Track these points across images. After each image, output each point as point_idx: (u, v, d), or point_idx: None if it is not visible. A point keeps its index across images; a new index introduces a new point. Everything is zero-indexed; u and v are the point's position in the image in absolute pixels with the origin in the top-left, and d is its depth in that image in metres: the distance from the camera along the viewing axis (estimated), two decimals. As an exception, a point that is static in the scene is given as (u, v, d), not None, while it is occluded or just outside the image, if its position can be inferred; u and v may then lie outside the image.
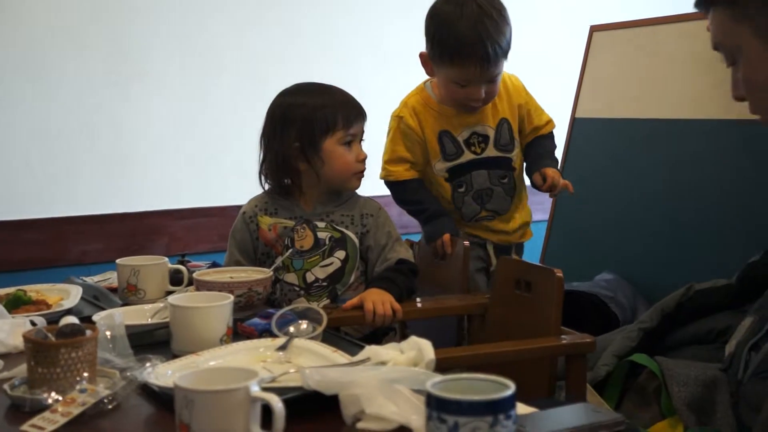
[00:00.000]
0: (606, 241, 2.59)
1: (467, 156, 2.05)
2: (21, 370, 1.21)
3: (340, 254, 1.81)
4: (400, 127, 2.06)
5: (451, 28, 1.90)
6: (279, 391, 1.04)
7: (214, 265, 1.98)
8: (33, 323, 1.41)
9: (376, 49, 3.29)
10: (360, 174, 1.82)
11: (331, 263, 1.81)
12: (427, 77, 2.07)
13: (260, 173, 1.87)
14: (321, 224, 1.82)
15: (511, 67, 2.04)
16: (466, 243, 1.97)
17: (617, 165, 2.62)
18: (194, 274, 1.63)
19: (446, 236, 2.00)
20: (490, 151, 2.05)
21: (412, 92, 2.10)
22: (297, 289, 1.82)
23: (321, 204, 1.84)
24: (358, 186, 1.85)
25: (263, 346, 1.33)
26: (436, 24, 1.94)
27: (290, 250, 1.79)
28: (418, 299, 1.84)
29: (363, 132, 1.84)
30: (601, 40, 2.80)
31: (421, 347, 1.20)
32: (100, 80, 2.87)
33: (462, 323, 1.97)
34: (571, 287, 2.30)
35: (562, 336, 1.63)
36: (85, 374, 1.15)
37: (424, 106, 2.05)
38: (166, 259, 1.75)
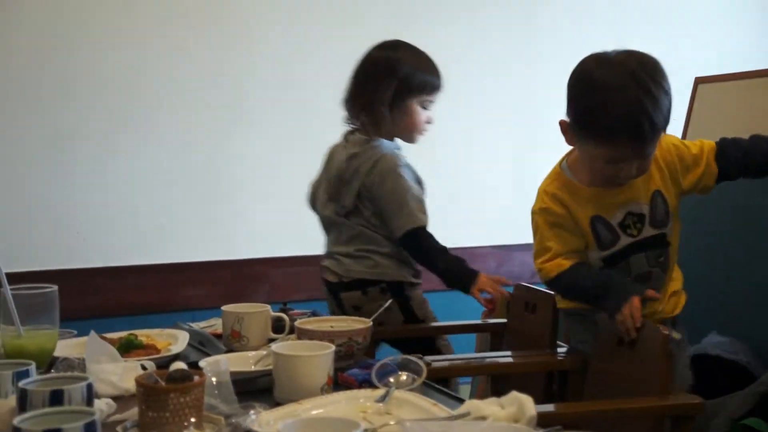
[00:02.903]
0: (711, 301, 2.49)
1: (624, 241, 1.80)
2: (132, 413, 1.26)
3: None
4: (548, 222, 1.81)
5: (602, 100, 1.65)
6: (380, 443, 1.04)
7: (315, 313, 2.01)
8: (144, 367, 1.46)
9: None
10: (422, 134, 2.18)
11: None
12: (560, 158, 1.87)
13: (345, 107, 2.20)
14: None
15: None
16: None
17: (724, 220, 2.53)
18: (296, 323, 1.65)
19: (636, 301, 1.69)
20: (647, 231, 1.80)
21: (548, 179, 1.85)
22: None
23: None
24: (416, 142, 2.20)
25: (363, 396, 1.33)
26: (583, 92, 1.70)
27: None
28: (509, 353, 1.86)
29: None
30: (706, 92, 2.74)
31: (521, 402, 1.18)
32: (203, 128, 2.99)
33: (552, 379, 1.92)
34: (704, 351, 2.21)
35: (669, 395, 1.57)
36: (193, 419, 1.18)
37: (567, 192, 1.80)
38: (269, 306, 1.78)
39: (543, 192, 1.83)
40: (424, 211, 2.13)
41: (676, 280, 1.88)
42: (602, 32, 3.46)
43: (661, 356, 1.59)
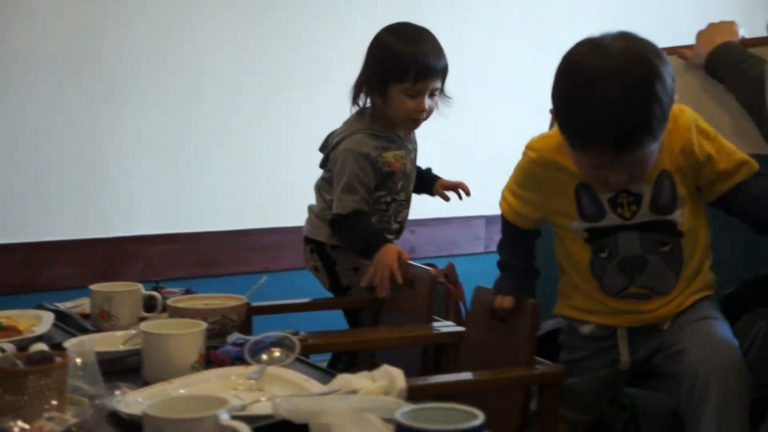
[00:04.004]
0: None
1: (612, 220, 1.57)
2: (-11, 397, 1.20)
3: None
4: (523, 166, 1.67)
5: (576, 100, 1.45)
6: (249, 419, 1.04)
7: (189, 291, 1.97)
8: (2, 350, 1.39)
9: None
10: (415, 122, 2.12)
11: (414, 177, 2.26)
12: None
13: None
14: (411, 147, 2.22)
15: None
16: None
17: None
18: (168, 301, 1.63)
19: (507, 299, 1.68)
20: (643, 215, 1.56)
21: (551, 132, 1.65)
22: (404, 203, 2.22)
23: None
24: (411, 129, 2.19)
25: (235, 373, 1.32)
26: (563, 85, 1.48)
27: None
28: (387, 328, 1.85)
29: (435, 88, 2.08)
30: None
31: (392, 376, 1.21)
32: (72, 102, 2.86)
33: (427, 352, 1.97)
34: None
35: (536, 366, 1.64)
36: (54, 402, 1.14)
37: (559, 152, 1.57)
38: (140, 285, 1.74)
39: (539, 139, 1.65)
40: (349, 200, 2.10)
41: (700, 288, 1.62)
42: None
43: (528, 328, 1.64)
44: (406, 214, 2.26)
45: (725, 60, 1.92)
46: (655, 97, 1.41)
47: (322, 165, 2.27)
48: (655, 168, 1.53)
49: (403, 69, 2.05)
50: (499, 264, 1.78)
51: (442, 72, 2.11)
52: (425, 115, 2.13)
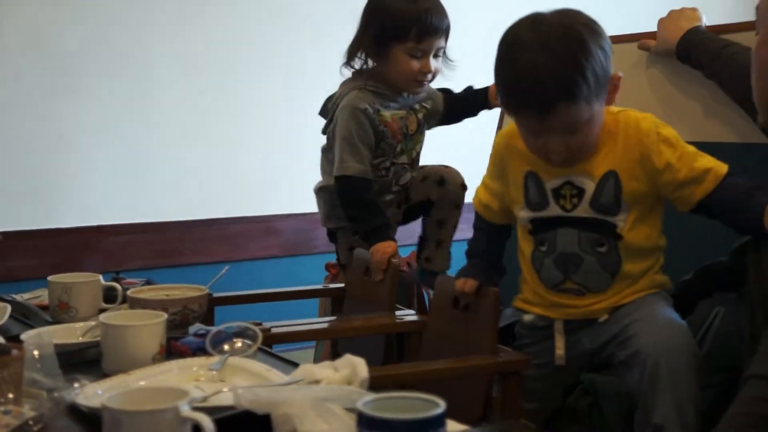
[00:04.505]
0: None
1: (553, 210, 1.60)
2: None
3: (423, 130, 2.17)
4: (492, 154, 1.72)
5: (504, 68, 1.52)
6: (211, 410, 1.03)
7: (149, 282, 1.95)
8: (-43, 342, 1.37)
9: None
10: (420, 83, 2.04)
11: (422, 139, 2.18)
12: None
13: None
14: (417, 107, 2.14)
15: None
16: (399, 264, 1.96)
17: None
18: (128, 292, 1.61)
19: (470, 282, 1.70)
20: (582, 210, 1.57)
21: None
22: (406, 167, 2.14)
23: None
24: (416, 91, 2.09)
25: (196, 364, 1.31)
26: (496, 58, 1.54)
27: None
28: (349, 317, 1.86)
29: (440, 47, 2.02)
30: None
31: (354, 365, 1.20)
32: (29, 92, 2.81)
33: (390, 341, 1.97)
34: None
35: (499, 354, 1.65)
36: (10, 395, 1.12)
37: (518, 136, 1.60)
38: (100, 276, 1.72)
39: (498, 135, 1.73)
40: (352, 160, 2.02)
41: (643, 286, 1.62)
42: None
43: (490, 315, 1.65)
44: (410, 177, 2.17)
45: (704, 46, 1.89)
46: (576, 62, 1.44)
47: (324, 131, 2.17)
48: (603, 166, 1.56)
49: (405, 28, 2.00)
50: (467, 253, 1.81)
51: (446, 31, 2.05)
52: (431, 76, 2.07)
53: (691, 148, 1.56)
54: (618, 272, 1.60)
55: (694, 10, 1.99)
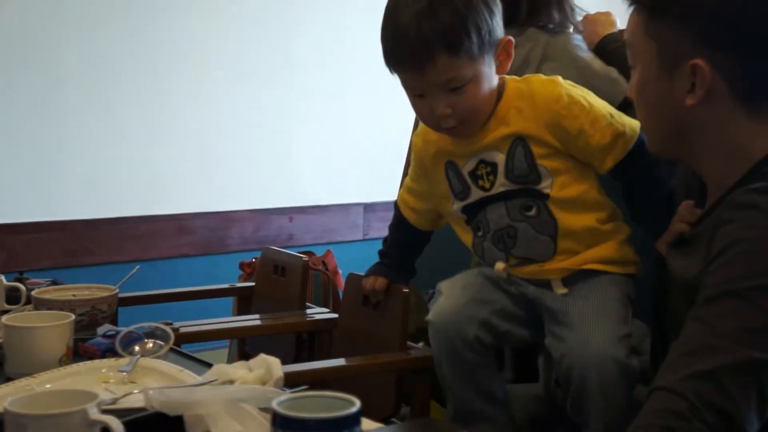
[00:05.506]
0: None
1: (476, 194, 1.52)
2: None
3: None
4: (412, 153, 1.64)
5: (384, 26, 1.46)
6: (120, 413, 1.02)
7: (55, 282, 1.90)
8: None
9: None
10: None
11: None
12: None
13: None
14: None
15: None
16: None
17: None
18: (33, 292, 1.56)
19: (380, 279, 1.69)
20: (501, 185, 1.49)
21: None
22: None
23: None
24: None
25: (106, 366, 1.29)
26: (383, 18, 1.48)
27: None
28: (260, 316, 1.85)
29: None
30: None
31: (269, 364, 1.21)
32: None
33: (302, 340, 1.98)
34: None
35: (408, 351, 1.68)
36: None
37: (429, 130, 1.54)
38: (2, 276, 1.66)
39: (414, 134, 1.64)
40: None
41: (600, 255, 1.50)
42: None
43: (400, 313, 1.68)
44: None
45: (615, 55, 1.87)
46: (455, 12, 1.40)
47: None
48: (510, 135, 1.47)
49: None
50: (379, 252, 1.77)
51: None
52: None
53: (603, 109, 1.48)
54: (556, 232, 1.49)
55: (608, 14, 1.98)
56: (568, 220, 1.48)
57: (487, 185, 1.50)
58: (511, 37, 1.48)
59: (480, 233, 1.54)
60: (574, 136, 1.46)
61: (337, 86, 3.53)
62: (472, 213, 1.54)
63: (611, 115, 1.47)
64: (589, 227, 1.49)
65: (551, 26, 1.90)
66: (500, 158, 1.48)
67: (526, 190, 1.48)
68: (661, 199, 1.47)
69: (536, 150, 1.47)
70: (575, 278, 1.50)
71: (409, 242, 1.72)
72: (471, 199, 1.52)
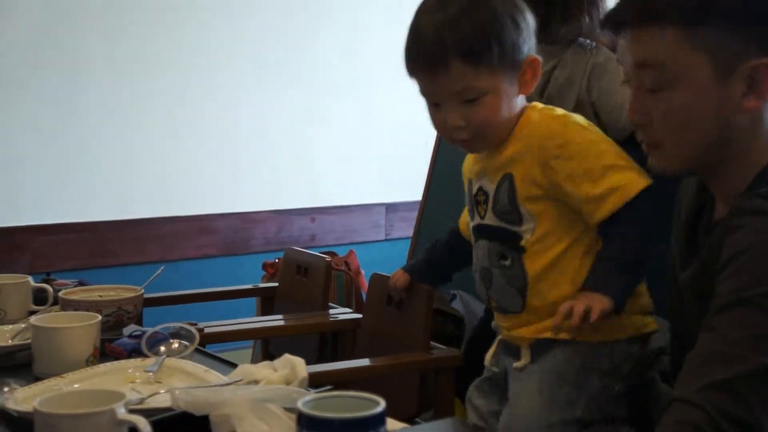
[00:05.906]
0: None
1: (475, 219, 1.46)
2: None
3: None
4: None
5: (412, 22, 1.41)
6: (147, 412, 1.02)
7: (82, 283, 1.92)
8: None
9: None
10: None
11: None
12: None
13: None
14: None
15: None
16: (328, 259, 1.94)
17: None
18: (60, 293, 1.58)
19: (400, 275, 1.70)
20: (489, 218, 1.42)
21: None
22: None
23: None
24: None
25: (132, 366, 1.30)
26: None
27: None
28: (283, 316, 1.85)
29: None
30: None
31: (294, 364, 1.21)
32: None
33: (325, 340, 1.98)
34: None
35: (432, 351, 1.67)
36: (-62, 400, 1.09)
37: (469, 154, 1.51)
38: (29, 277, 1.68)
39: (466, 158, 1.56)
40: None
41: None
42: None
43: (424, 313, 1.68)
44: None
45: None
46: (476, 21, 1.34)
47: None
48: (504, 167, 1.40)
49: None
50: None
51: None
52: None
53: (606, 159, 1.35)
54: (525, 290, 1.38)
55: None
56: (539, 284, 1.38)
57: (482, 212, 1.43)
58: (538, 56, 1.40)
59: (474, 260, 1.47)
60: (561, 179, 1.35)
61: (359, 86, 3.53)
62: (475, 237, 1.47)
63: (611, 168, 1.34)
64: (562, 298, 1.34)
65: (587, 42, 1.86)
66: (491, 189, 1.42)
67: (506, 232, 1.39)
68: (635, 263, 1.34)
69: (523, 188, 1.37)
70: (539, 347, 1.38)
71: (446, 242, 1.66)
72: (474, 223, 1.47)
